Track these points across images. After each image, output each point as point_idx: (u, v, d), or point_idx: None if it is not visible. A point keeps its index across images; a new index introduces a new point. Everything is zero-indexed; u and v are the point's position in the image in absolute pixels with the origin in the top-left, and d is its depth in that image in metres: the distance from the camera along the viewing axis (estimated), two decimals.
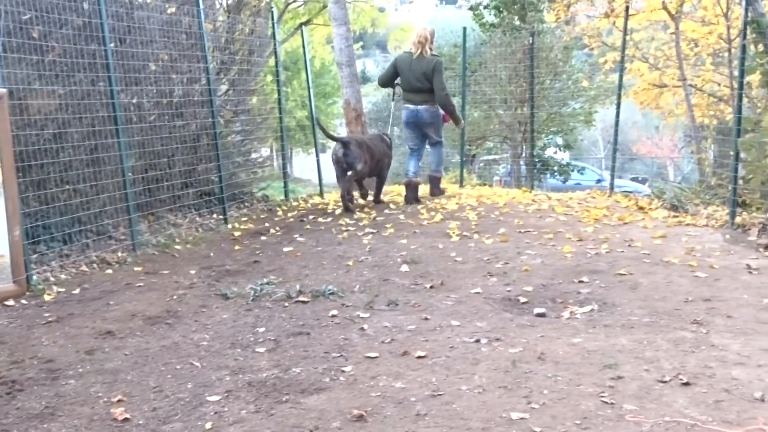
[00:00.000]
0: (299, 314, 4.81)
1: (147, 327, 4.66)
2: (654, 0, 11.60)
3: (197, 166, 8.47)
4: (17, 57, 6.07)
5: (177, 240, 7.31)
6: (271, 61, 10.87)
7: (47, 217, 6.32)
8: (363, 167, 8.62)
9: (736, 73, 9.42)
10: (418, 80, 8.94)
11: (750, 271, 5.55)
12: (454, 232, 7.28)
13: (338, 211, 8.76)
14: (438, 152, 9.57)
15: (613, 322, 4.40)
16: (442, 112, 9.18)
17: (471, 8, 18.28)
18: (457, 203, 9.05)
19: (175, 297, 5.34)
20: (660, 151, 35.43)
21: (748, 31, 7.55)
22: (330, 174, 9.61)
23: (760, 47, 7.88)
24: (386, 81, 9.43)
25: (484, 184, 13.72)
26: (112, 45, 6.94)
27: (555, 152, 17.46)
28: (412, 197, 9.17)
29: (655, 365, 3.65)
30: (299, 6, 25.17)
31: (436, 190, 9.69)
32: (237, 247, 7.14)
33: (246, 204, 9.44)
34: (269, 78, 12.11)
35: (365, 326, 4.51)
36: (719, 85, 12.92)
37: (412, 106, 9.14)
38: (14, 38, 6.01)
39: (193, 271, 6.18)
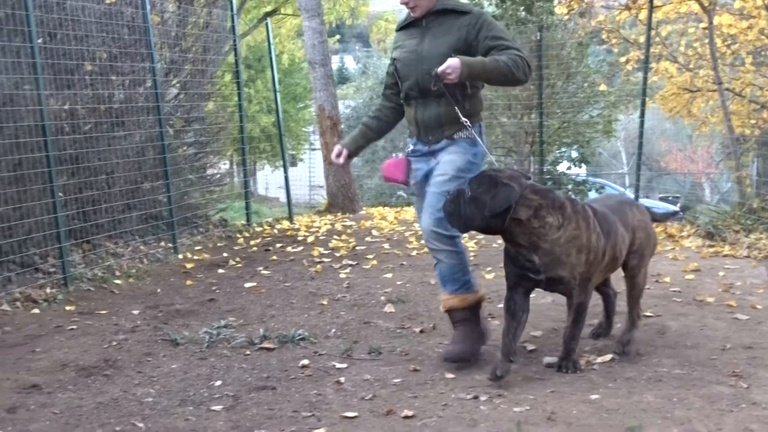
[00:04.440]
0: (263, 364, 4.81)
1: (80, 380, 4.65)
2: None
3: (142, 185, 8.48)
4: None
5: (117, 273, 7.30)
6: (231, 59, 10.91)
7: None
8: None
9: None
10: None
11: None
12: None
13: (310, 239, 8.78)
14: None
15: (636, 375, 4.43)
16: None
17: None
18: None
19: (114, 343, 5.33)
20: (694, 166, 35.68)
21: None
22: (301, 193, 9.56)
23: None
24: None
25: None
26: (40, 41, 6.96)
27: (569, 167, 17.55)
28: None
29: (687, 427, 3.68)
30: None
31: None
32: (189, 282, 7.14)
33: (200, 230, 9.44)
34: (228, 78, 12.16)
35: (342, 379, 4.52)
36: (761, 89, 13.05)
37: None
38: None
39: (136, 312, 6.17)
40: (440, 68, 4.42)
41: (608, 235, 4.46)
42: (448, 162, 4.70)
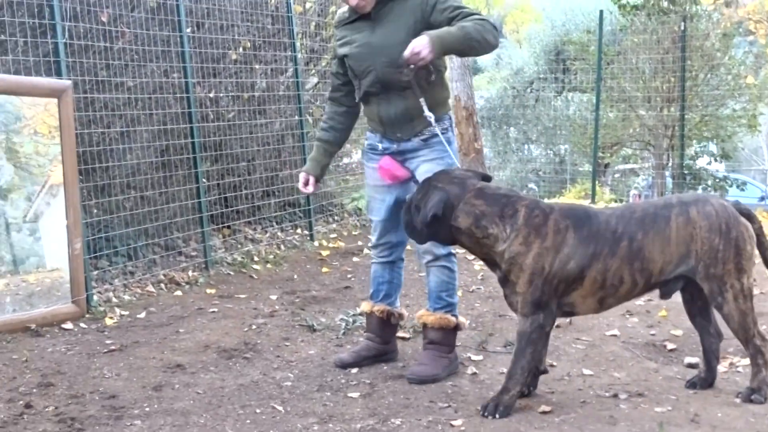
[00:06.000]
0: (399, 353, 4.83)
1: (222, 361, 4.78)
2: None
3: (280, 172, 8.64)
4: (83, 44, 6.33)
5: (256, 258, 7.46)
6: None
7: (111, 228, 6.56)
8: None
9: None
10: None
11: None
12: None
13: None
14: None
15: None
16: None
17: None
18: None
19: (253, 327, 5.46)
20: None
21: None
22: None
23: None
24: None
25: (620, 200, 13.50)
26: (188, 30, 7.16)
27: (709, 162, 17.04)
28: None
29: None
30: None
31: None
32: (325, 269, 7.24)
33: (335, 218, 9.56)
34: None
35: (477, 371, 4.51)
36: None
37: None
38: (80, 22, 6.28)
39: (274, 297, 6.30)
40: (406, 52, 4.01)
41: (594, 256, 3.71)
42: (428, 174, 4.16)
